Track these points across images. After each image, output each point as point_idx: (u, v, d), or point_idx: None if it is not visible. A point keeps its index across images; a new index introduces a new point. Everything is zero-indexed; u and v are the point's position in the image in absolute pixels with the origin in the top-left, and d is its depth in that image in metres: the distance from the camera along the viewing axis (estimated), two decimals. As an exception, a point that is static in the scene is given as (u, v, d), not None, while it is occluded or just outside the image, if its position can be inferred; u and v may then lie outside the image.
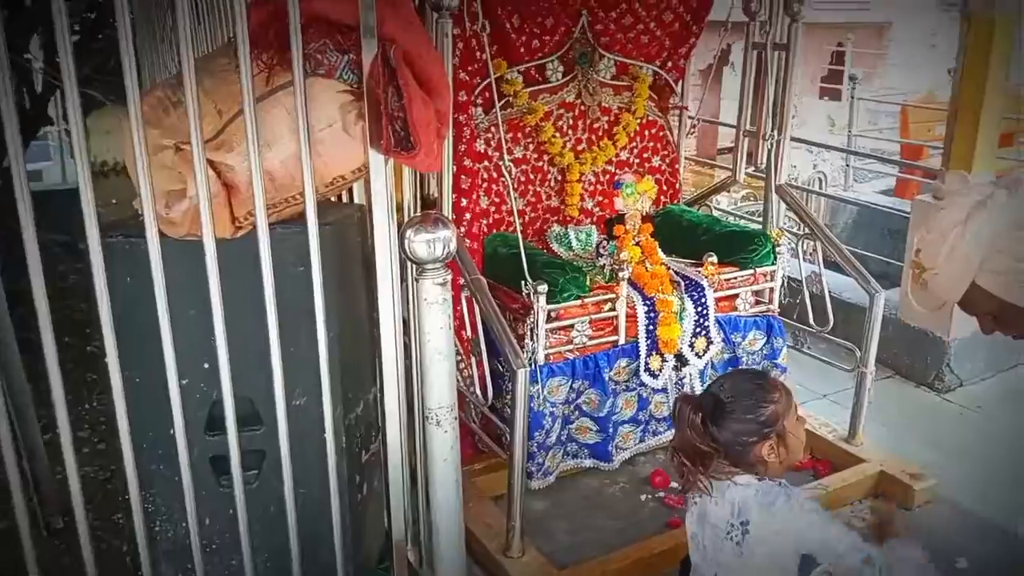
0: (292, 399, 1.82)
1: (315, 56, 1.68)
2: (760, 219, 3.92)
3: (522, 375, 2.39)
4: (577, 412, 2.94)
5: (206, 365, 1.69)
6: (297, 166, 1.64)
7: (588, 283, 2.86)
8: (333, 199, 2.08)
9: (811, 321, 3.37)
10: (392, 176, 2.05)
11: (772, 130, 3.31)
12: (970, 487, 3.15)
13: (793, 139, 3.83)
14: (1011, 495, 3.15)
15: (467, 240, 2.91)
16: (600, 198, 3.49)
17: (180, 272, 1.64)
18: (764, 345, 3.24)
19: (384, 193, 1.93)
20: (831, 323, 3.29)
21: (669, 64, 3.51)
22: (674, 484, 3.11)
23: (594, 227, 3.44)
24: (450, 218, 2.79)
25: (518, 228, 2.80)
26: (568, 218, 3.42)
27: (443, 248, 1.91)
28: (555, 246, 3.34)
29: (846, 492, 2.98)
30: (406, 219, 2.32)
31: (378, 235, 1.95)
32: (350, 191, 2.18)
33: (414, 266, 1.93)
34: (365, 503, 2.11)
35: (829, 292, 3.37)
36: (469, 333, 2.71)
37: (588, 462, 3.01)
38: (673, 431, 1.78)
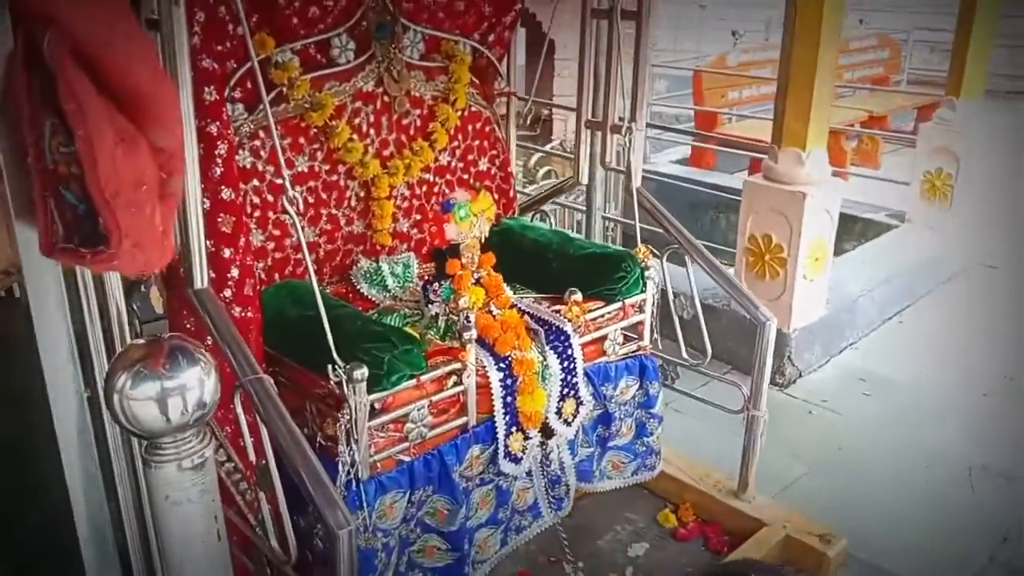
0: None
1: None
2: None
3: (346, 538, 1.53)
4: (419, 529, 2.11)
5: None
6: None
7: (424, 353, 2.03)
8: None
9: (683, 355, 2.77)
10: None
11: (629, 121, 2.62)
12: (857, 523, 2.80)
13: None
14: (898, 531, 2.86)
15: (236, 308, 1.95)
16: (417, 216, 2.64)
17: None
18: (637, 391, 2.59)
19: (61, 316, 1.01)
20: (708, 356, 2.71)
21: (491, 38, 2.71)
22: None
23: (413, 255, 2.59)
24: (205, 286, 1.81)
25: (313, 279, 1.89)
26: (378, 247, 2.55)
27: (195, 404, 1.02)
28: (364, 287, 2.46)
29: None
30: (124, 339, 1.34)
31: (52, 390, 1.02)
32: None
33: (140, 441, 1.03)
34: None
35: (701, 303, 2.75)
36: (252, 455, 1.78)
37: (438, 589, 2.21)
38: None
